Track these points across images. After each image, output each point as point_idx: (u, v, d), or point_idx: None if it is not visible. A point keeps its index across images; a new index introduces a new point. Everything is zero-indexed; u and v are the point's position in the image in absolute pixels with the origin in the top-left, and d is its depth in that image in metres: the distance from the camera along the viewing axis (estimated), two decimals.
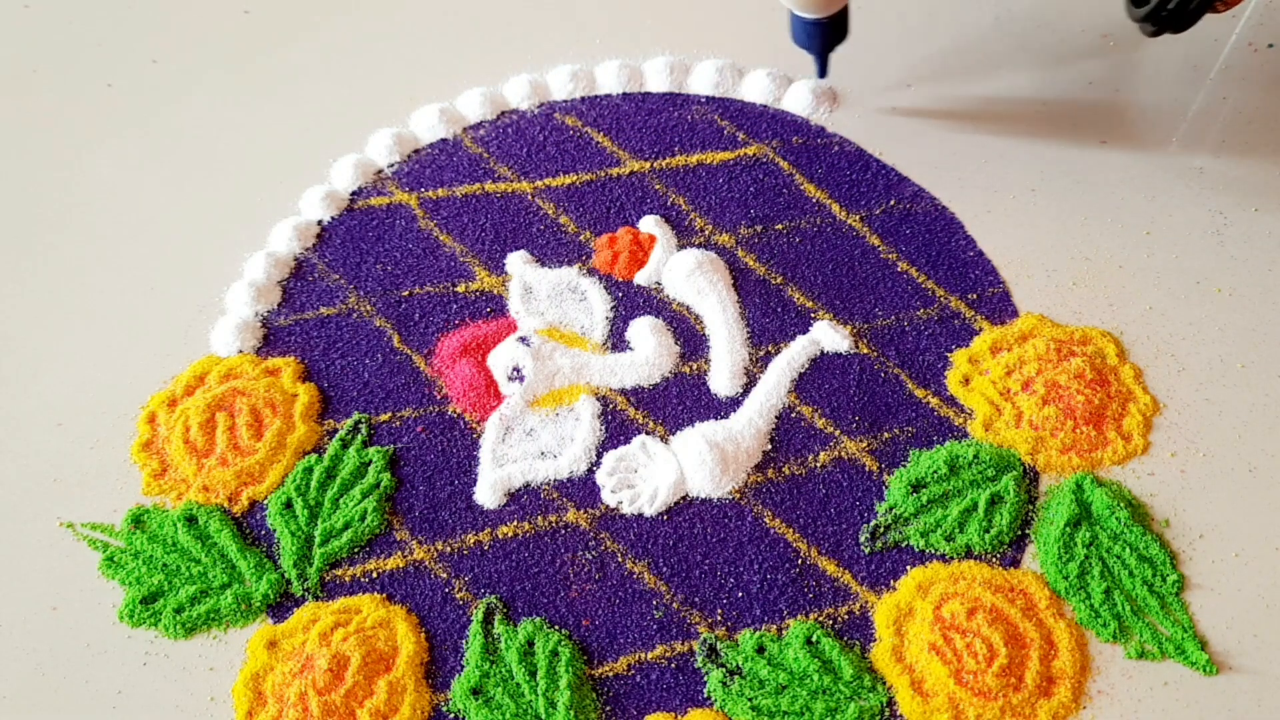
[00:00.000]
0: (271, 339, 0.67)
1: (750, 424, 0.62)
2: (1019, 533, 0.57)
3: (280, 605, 0.56)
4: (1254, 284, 0.67)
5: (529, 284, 0.69)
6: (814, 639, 0.54)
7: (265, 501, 0.60)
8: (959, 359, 0.64)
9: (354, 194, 0.74)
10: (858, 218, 0.71)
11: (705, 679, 0.53)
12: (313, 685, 0.52)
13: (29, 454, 0.62)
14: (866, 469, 0.60)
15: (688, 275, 0.68)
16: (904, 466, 0.60)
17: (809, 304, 0.67)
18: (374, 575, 0.57)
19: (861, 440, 0.61)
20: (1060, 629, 0.53)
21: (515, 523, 0.59)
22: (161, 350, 0.66)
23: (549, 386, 0.64)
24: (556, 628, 0.55)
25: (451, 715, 0.52)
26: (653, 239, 0.70)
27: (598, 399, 0.64)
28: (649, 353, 0.65)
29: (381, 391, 0.64)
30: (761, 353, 0.65)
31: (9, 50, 0.86)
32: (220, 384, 0.64)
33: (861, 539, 0.57)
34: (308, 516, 0.59)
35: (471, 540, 0.58)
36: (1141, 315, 0.66)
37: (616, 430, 0.62)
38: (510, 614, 0.55)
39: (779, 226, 0.71)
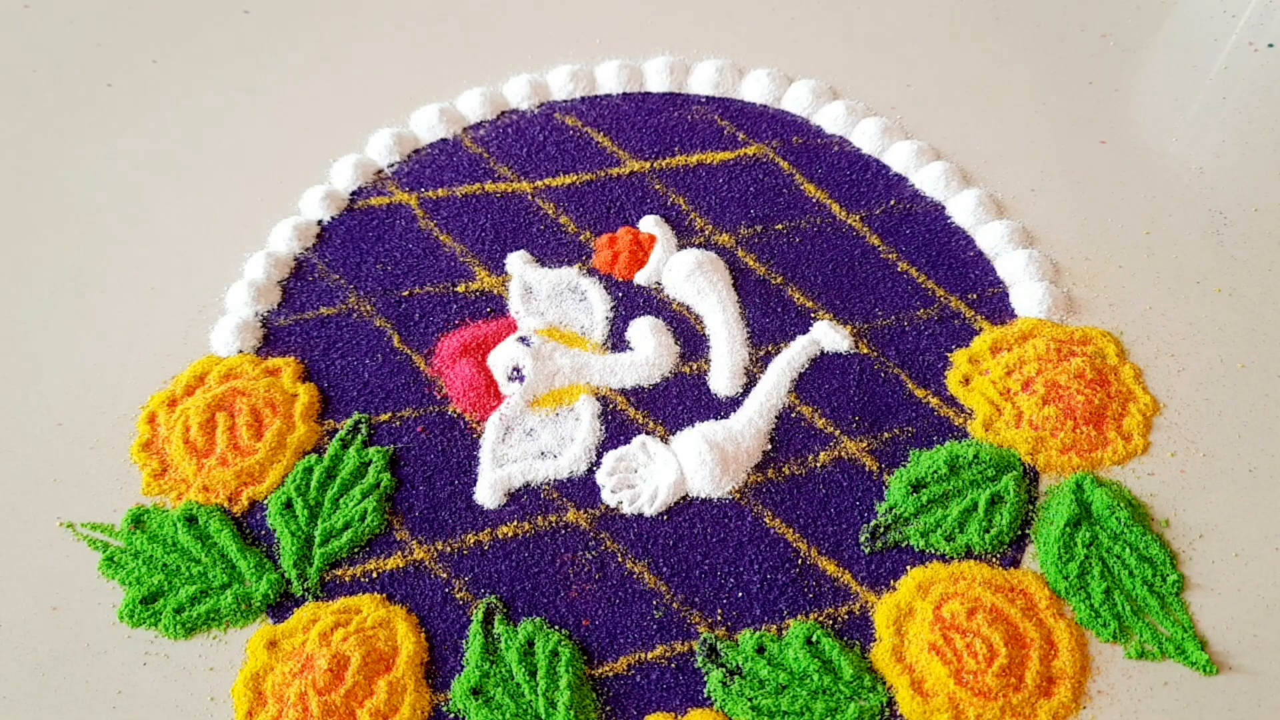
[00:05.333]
0: (271, 339, 0.67)
1: (750, 424, 0.62)
2: (1019, 533, 0.57)
3: (280, 605, 0.56)
4: (1254, 284, 0.67)
5: (529, 284, 0.69)
6: (814, 639, 0.54)
7: (265, 501, 0.60)
8: (959, 359, 0.64)
9: (354, 194, 0.74)
10: (858, 218, 0.71)
11: (705, 679, 0.53)
12: (313, 685, 0.52)
13: (29, 454, 0.62)
14: (866, 469, 0.60)
15: (688, 275, 0.68)
16: (904, 466, 0.60)
17: (809, 304, 0.67)
18: (374, 575, 0.57)
19: (861, 440, 0.61)
20: (1060, 629, 0.53)
21: (515, 523, 0.59)
22: (161, 350, 0.66)
23: (549, 386, 0.64)
24: (556, 628, 0.55)
25: (451, 715, 0.52)
26: (653, 239, 0.70)
27: (598, 399, 0.64)
28: (649, 353, 0.65)
29: (381, 391, 0.64)
30: (761, 353, 0.65)
31: (9, 50, 0.86)
32: (220, 384, 0.64)
33: (861, 539, 0.57)
34: (308, 516, 0.59)
35: (471, 540, 0.58)
36: (1141, 315, 0.66)
37: (616, 430, 0.62)
38: (510, 614, 0.55)
39: (779, 226, 0.71)
